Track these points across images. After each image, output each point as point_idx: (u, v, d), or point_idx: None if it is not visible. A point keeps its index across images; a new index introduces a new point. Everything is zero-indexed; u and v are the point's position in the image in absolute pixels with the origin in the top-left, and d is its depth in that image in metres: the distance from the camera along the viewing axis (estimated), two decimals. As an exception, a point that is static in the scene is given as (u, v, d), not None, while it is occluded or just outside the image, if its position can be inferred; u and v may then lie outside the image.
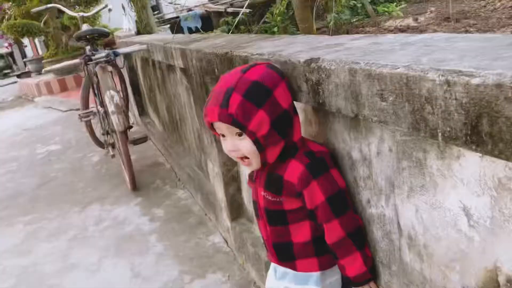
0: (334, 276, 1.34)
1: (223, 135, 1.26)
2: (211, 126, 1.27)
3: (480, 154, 0.82)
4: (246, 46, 1.69)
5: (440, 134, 0.77)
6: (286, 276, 1.40)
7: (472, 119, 0.70)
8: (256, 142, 1.18)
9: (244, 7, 7.46)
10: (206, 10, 8.04)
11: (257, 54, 1.46)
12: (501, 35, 0.97)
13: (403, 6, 7.45)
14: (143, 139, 3.84)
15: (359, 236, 1.22)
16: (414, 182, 1.01)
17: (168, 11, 10.34)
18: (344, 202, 1.21)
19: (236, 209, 2.33)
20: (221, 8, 7.98)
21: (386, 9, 6.97)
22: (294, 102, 1.25)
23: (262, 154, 1.21)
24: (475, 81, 0.67)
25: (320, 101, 1.14)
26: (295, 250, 1.31)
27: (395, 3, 7.51)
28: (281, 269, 1.41)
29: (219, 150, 2.23)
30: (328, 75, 1.07)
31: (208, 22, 7.80)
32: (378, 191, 1.15)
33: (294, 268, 1.33)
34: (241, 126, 1.16)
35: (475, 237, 0.88)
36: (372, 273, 1.24)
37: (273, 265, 1.48)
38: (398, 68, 0.83)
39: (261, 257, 1.99)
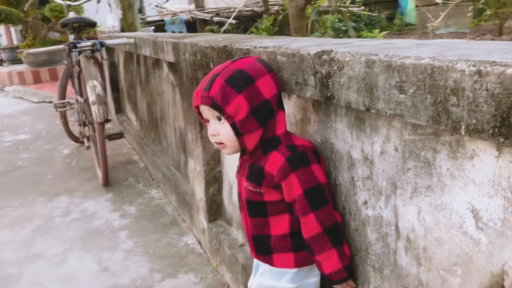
0: (312, 278, 1.32)
1: (207, 121, 1.27)
2: (199, 112, 1.29)
3: (497, 154, 0.81)
4: (246, 41, 1.67)
5: (463, 126, 0.76)
6: (264, 273, 1.38)
7: (504, 110, 0.68)
8: (233, 126, 1.19)
9: (231, 18, 7.49)
10: (192, 17, 8.01)
11: (260, 47, 1.43)
12: (518, 43, 0.97)
13: (385, 33, 7.62)
14: (119, 135, 3.76)
15: (336, 233, 1.21)
16: (419, 182, 0.99)
17: (152, 14, 10.27)
18: (322, 197, 1.20)
19: (214, 210, 2.28)
20: (207, 16, 7.97)
21: (369, 34, 7.12)
22: (294, 96, 1.24)
23: (240, 140, 1.22)
24: (511, 70, 0.66)
25: (328, 95, 1.11)
26: (272, 243, 1.29)
27: (378, 30, 7.68)
28: (263, 266, 1.38)
29: (204, 147, 2.19)
30: (341, 67, 1.04)
31: (193, 28, 7.77)
32: (377, 192, 1.13)
33: (271, 262, 1.32)
34: (219, 108, 1.18)
35: (482, 240, 0.86)
36: (349, 272, 1.22)
37: (256, 263, 1.44)
38: (423, 59, 0.82)
39: (238, 260, 1.94)
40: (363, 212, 1.19)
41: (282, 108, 1.26)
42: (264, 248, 1.31)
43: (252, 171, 1.28)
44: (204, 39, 2.11)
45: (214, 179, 2.24)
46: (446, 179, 0.92)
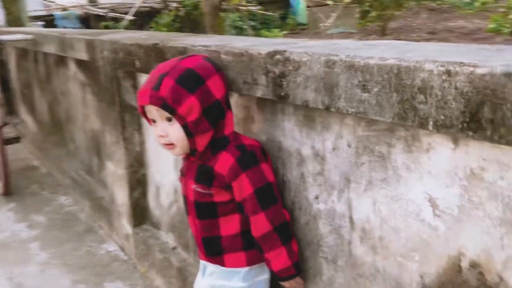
0: (262, 275, 1.33)
1: (154, 121, 1.23)
2: (143, 111, 1.25)
3: (453, 147, 0.88)
4: (179, 39, 1.63)
5: (431, 122, 0.81)
6: (213, 273, 1.36)
7: (473, 107, 0.75)
8: (185, 127, 1.17)
9: (129, 14, 7.24)
10: (85, 12, 7.61)
11: (200, 45, 1.41)
12: (455, 44, 1.06)
13: (285, 32, 7.89)
14: (15, 139, 3.48)
15: (285, 231, 1.23)
16: (374, 176, 1.05)
17: (37, 8, 9.57)
18: (272, 196, 1.22)
19: (139, 215, 2.20)
20: (101, 11, 7.62)
21: (268, 33, 7.31)
22: (236, 95, 1.24)
23: (191, 141, 1.20)
24: (480, 70, 0.72)
25: (282, 94, 1.13)
26: (224, 244, 1.28)
27: (278, 29, 7.92)
28: (211, 267, 1.36)
29: (127, 149, 2.10)
30: (297, 67, 1.07)
31: (86, 24, 7.38)
32: (329, 186, 1.17)
33: (222, 263, 1.30)
34: (171, 109, 1.15)
35: (440, 226, 0.93)
36: (297, 269, 1.25)
37: (202, 264, 1.42)
38: (388, 59, 0.87)
39: (172, 263, 1.90)
40: (314, 207, 1.23)
41: (230, 108, 1.26)
42: (214, 249, 1.30)
43: (201, 172, 1.25)
44: (124, 36, 2.02)
45: (138, 183, 2.16)
46: (402, 171, 0.99)
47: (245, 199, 1.20)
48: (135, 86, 2.05)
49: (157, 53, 1.63)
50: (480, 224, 0.86)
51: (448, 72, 0.77)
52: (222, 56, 1.30)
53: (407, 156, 0.97)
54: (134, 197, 2.17)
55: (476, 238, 0.88)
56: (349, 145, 1.10)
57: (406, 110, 0.85)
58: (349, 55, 0.95)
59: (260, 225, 1.21)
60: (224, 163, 1.21)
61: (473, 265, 0.89)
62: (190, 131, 1.18)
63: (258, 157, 1.23)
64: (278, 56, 1.12)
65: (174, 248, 1.99)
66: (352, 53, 0.95)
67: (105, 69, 2.10)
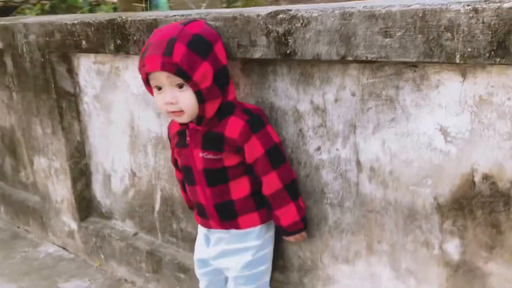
0: (270, 231, 1.38)
1: (159, 88, 1.21)
2: (146, 79, 1.23)
3: (462, 80, 1.04)
4: (136, 14, 1.59)
5: (458, 55, 0.95)
6: (221, 240, 1.37)
7: (500, 36, 0.89)
8: (198, 93, 1.17)
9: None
10: None
11: (174, 15, 1.40)
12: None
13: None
14: None
15: (294, 188, 1.30)
16: (382, 118, 1.17)
17: None
18: (281, 155, 1.28)
19: (85, 207, 2.08)
20: None
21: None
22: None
23: (200, 108, 1.20)
24: (506, 5, 0.87)
25: (288, 51, 1.19)
26: (237, 207, 1.30)
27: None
28: (216, 235, 1.38)
29: (67, 139, 1.97)
30: (306, 23, 1.14)
31: None
32: (333, 136, 1.27)
33: (237, 226, 1.32)
34: (186, 75, 1.14)
35: (452, 150, 1.09)
36: (304, 223, 1.33)
37: (203, 235, 1.43)
38: (411, 5, 0.98)
39: (139, 248, 1.85)
40: (316, 157, 1.32)
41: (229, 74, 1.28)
42: (228, 214, 1.31)
43: (208, 139, 1.25)
44: (51, 19, 1.88)
45: (80, 174, 2.04)
46: (411, 109, 1.12)
47: (257, 160, 1.24)
48: (70, 70, 1.93)
49: (118, 28, 1.57)
50: (490, 142, 1.03)
51: (475, 10, 0.91)
52: (210, 23, 1.31)
53: (416, 94, 1.11)
54: (78, 190, 2.05)
55: (487, 154, 1.04)
56: (353, 94, 1.21)
57: (432, 48, 0.98)
58: (365, 5, 1.05)
59: (271, 184, 1.26)
60: (234, 127, 1.23)
61: (486, 177, 1.06)
62: (203, 98, 1.18)
63: (264, 120, 1.27)
64: (282, 15, 1.18)
65: (135, 234, 1.93)
66: (364, 3, 1.05)
67: (32, 55, 1.94)
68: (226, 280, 1.46)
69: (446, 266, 1.17)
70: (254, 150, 1.24)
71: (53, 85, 1.91)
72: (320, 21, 1.11)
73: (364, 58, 1.08)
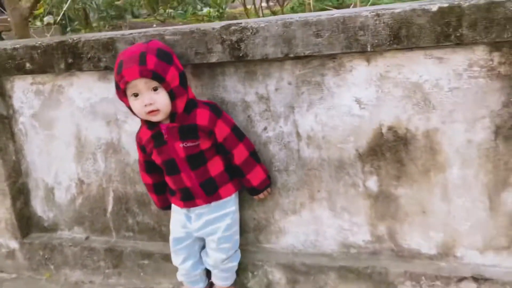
0: (237, 199, 1.72)
1: (135, 95, 1.49)
2: (123, 91, 1.49)
3: (367, 64, 1.53)
4: (79, 35, 1.81)
5: (369, 45, 1.43)
6: (202, 214, 1.66)
7: (395, 31, 1.39)
8: (170, 93, 1.49)
9: None
10: None
11: (131, 34, 1.68)
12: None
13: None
14: None
15: (256, 154, 1.67)
16: (313, 98, 1.61)
17: None
18: (241, 131, 1.64)
19: (25, 225, 2.15)
20: None
21: None
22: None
23: (173, 104, 1.51)
24: (397, 10, 1.38)
25: (241, 54, 1.57)
26: (217, 181, 1.62)
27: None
28: (197, 211, 1.66)
29: (4, 160, 2.04)
30: (255, 32, 1.53)
31: None
32: (276, 117, 1.67)
33: (218, 197, 1.64)
34: (161, 78, 1.45)
35: (365, 114, 1.57)
36: (270, 180, 1.71)
37: (183, 216, 1.70)
38: (334, 14, 1.44)
39: (96, 248, 2.01)
40: (263, 136, 1.71)
41: None
42: (211, 188, 1.61)
43: (184, 131, 1.55)
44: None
45: (19, 192, 2.12)
46: (334, 89, 1.58)
47: (226, 138, 1.58)
48: (2, 94, 2.03)
49: (68, 49, 1.77)
50: (390, 104, 1.53)
51: (378, 14, 1.40)
52: (167, 37, 1.63)
53: (337, 78, 1.57)
54: (18, 208, 2.12)
55: (389, 113, 1.54)
56: (289, 83, 1.63)
57: (351, 42, 1.45)
58: (301, 16, 1.48)
59: (240, 154, 1.61)
60: (202, 116, 1.55)
61: (390, 128, 1.56)
62: (174, 95, 1.48)
63: (220, 108, 1.62)
64: (234, 27, 1.55)
65: (87, 238, 2.08)
66: (295, 17, 1.49)
67: (-40, 82, 1.99)
68: (199, 249, 1.76)
69: (369, 198, 1.64)
70: (222, 130, 1.57)
71: (-13, 109, 1.99)
72: (267, 29, 1.52)
73: (302, 54, 1.51)
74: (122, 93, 1.50)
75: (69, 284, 2.09)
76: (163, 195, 1.76)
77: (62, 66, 1.81)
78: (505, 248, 1.54)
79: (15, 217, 2.11)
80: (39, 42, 1.82)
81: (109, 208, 2.01)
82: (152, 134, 1.59)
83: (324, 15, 1.46)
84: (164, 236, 1.96)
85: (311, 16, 1.47)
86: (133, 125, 1.85)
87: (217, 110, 1.59)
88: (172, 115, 1.53)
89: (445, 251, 1.61)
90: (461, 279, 1.55)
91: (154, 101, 1.47)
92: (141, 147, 1.67)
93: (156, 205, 1.82)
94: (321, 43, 1.48)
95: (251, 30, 1.53)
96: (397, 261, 1.65)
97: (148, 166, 1.70)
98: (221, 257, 1.68)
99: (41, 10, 3.46)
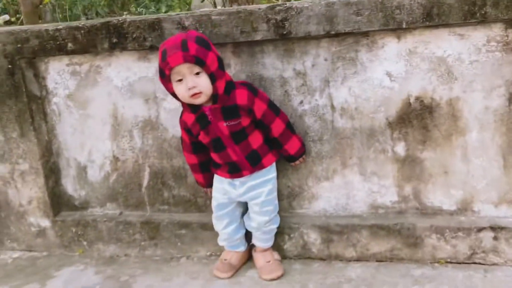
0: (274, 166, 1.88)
1: (179, 80, 1.63)
2: (168, 77, 1.63)
3: (397, 41, 1.72)
4: (125, 18, 1.92)
5: (404, 23, 1.63)
6: (246, 182, 1.81)
7: (427, 9, 1.60)
8: (211, 76, 1.63)
9: None
10: None
11: (177, 15, 1.81)
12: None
13: None
14: None
15: (291, 126, 1.83)
16: (347, 72, 1.79)
17: None
18: (276, 106, 1.80)
19: (57, 203, 2.22)
20: None
21: None
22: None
23: (214, 87, 1.66)
24: (429, -8, 1.58)
25: (284, 32, 1.73)
26: (259, 152, 1.78)
27: None
28: (241, 179, 1.81)
29: (38, 139, 2.11)
30: (299, 11, 1.69)
31: None
32: (312, 91, 1.84)
33: (262, 166, 1.79)
34: (202, 62, 1.60)
35: (395, 86, 1.77)
36: (305, 147, 1.88)
37: (226, 183, 1.83)
38: (374, -5, 1.63)
39: (132, 222, 2.11)
40: (299, 109, 1.87)
41: None
42: (255, 159, 1.76)
43: (227, 111, 1.70)
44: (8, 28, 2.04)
45: (51, 171, 2.19)
46: (367, 63, 1.77)
47: (263, 114, 1.73)
48: (37, 75, 2.10)
49: (115, 29, 1.87)
50: (418, 76, 1.74)
51: (413, -5, 1.59)
52: (214, 17, 1.77)
53: (369, 54, 1.76)
54: (50, 187, 2.19)
55: (416, 84, 1.75)
56: (325, 59, 1.80)
57: (388, 20, 1.64)
58: (342, -2, 1.66)
59: (278, 127, 1.77)
60: (241, 96, 1.70)
61: (417, 98, 1.76)
62: (215, 78, 1.62)
63: (255, 86, 1.78)
64: (279, 7, 1.71)
65: (120, 214, 2.18)
66: (341, -3, 1.67)
67: (-5, 63, 2.04)
68: (240, 214, 1.91)
69: (397, 162, 1.84)
70: (260, 107, 1.73)
71: (24, 90, 2.05)
72: (310, 9, 1.69)
73: (343, 31, 1.69)
74: (167, 79, 1.62)
75: (103, 258, 2.17)
76: (208, 173, 1.89)
77: (106, 45, 1.91)
78: (517, 201, 1.78)
79: (47, 196, 2.18)
80: (83, 23, 1.91)
81: (144, 183, 2.12)
82: (196, 117, 1.73)
83: (362, -5, 1.64)
84: (199, 208, 2.09)
85: (354, -4, 1.65)
86: (172, 102, 1.97)
87: (253, 89, 1.74)
88: (214, 97, 1.67)
89: (464, 207, 1.82)
90: (480, 229, 1.77)
91: (197, 84, 1.61)
92: (187, 130, 1.79)
93: (201, 185, 1.95)
94: (360, 21, 1.66)
95: (295, 10, 1.70)
96: (422, 217, 1.85)
97: (194, 147, 1.83)
98: (264, 220, 1.83)
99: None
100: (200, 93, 1.63)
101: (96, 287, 1.96)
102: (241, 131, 1.73)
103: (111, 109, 2.06)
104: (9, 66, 2.03)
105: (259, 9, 1.73)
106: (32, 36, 1.97)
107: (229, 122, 1.71)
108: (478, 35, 1.66)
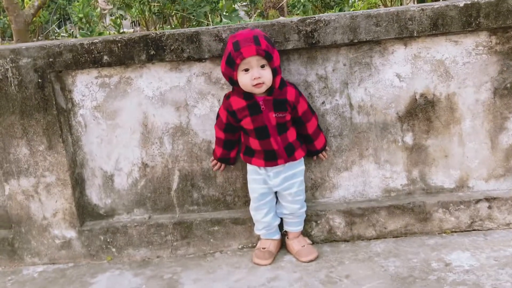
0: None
1: (246, 70, 1.85)
2: (237, 66, 1.85)
3: (404, 47, 2.06)
4: (165, 32, 2.07)
5: (415, 31, 1.96)
6: (280, 172, 2.03)
7: (434, 20, 1.95)
8: (274, 70, 1.87)
9: None
10: None
11: (221, 27, 2.01)
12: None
13: None
14: None
15: (319, 124, 2.10)
16: (363, 75, 2.10)
17: None
18: (312, 107, 2.06)
19: (82, 213, 2.27)
20: None
21: None
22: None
23: (274, 81, 1.89)
24: (436, 6, 1.94)
25: (313, 42, 2.00)
26: (294, 145, 2.01)
27: None
28: (274, 170, 2.02)
29: (66, 151, 2.17)
30: (327, 23, 1.97)
31: None
32: (333, 92, 2.12)
33: (294, 158, 2.02)
34: (270, 56, 1.84)
35: (403, 85, 2.10)
36: (327, 142, 2.14)
37: (262, 174, 2.04)
38: (391, 9, 1.95)
39: (164, 224, 2.22)
40: (321, 109, 2.14)
41: None
42: (291, 150, 1.98)
43: (277, 104, 1.92)
44: (37, 44, 2.10)
45: (76, 182, 2.25)
46: (379, 67, 2.09)
47: (304, 112, 1.98)
48: (63, 89, 2.16)
49: (153, 41, 2.02)
50: (422, 76, 2.08)
51: (422, 9, 1.94)
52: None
53: (382, 59, 2.08)
54: (76, 197, 2.24)
55: (421, 83, 2.09)
56: (344, 64, 2.09)
57: (402, 29, 1.97)
58: (364, 11, 1.96)
59: (312, 125, 2.02)
60: (291, 93, 1.94)
61: (422, 95, 2.10)
62: (277, 72, 1.86)
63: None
64: (309, 20, 1.98)
65: (149, 217, 2.29)
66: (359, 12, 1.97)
67: (22, 78, 2.08)
68: (274, 203, 2.12)
69: (406, 150, 2.16)
70: (302, 106, 1.97)
71: (54, 102, 2.11)
72: (337, 21, 1.97)
73: (364, 40, 1.99)
74: (234, 67, 1.83)
75: (136, 262, 2.25)
76: (226, 150, 2.08)
77: (143, 57, 2.05)
78: (502, 176, 2.17)
79: (75, 206, 2.23)
80: (120, 37, 2.03)
81: (174, 186, 2.25)
82: (248, 104, 1.93)
83: (382, 10, 1.96)
84: (228, 205, 2.26)
85: (372, 11, 1.96)
86: (202, 109, 2.15)
87: (299, 89, 1.99)
88: (270, 89, 1.89)
89: (461, 184, 2.19)
90: (477, 201, 2.13)
91: (262, 75, 1.83)
92: (231, 113, 1.97)
93: (215, 156, 2.13)
94: (379, 31, 1.98)
95: (323, 22, 1.97)
96: (428, 196, 2.19)
97: (226, 127, 2.02)
98: (296, 207, 2.07)
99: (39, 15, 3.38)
100: (263, 83, 1.85)
101: (142, 287, 2.04)
102: (284, 124, 1.96)
103: (141, 118, 2.18)
104: (39, 80, 2.08)
105: (291, 21, 1.98)
106: (65, 50, 2.05)
107: (278, 113, 1.93)
108: (468, 41, 2.04)
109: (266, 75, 1.84)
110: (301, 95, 1.98)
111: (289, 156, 2.00)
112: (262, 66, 1.84)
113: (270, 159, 2.00)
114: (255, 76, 1.83)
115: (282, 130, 1.96)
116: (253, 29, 1.88)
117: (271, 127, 1.94)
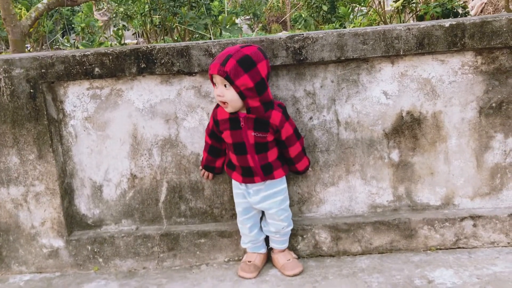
0: (285, 179, 2.14)
1: (215, 84, 1.89)
2: (211, 79, 1.90)
3: (392, 65, 2.09)
4: (153, 46, 2.11)
5: (402, 50, 2.00)
6: (259, 191, 2.04)
7: (420, 39, 1.98)
8: (240, 93, 1.87)
9: None
10: None
11: (211, 42, 2.04)
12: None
13: None
14: None
15: (304, 148, 2.11)
16: (350, 92, 2.13)
17: None
18: (299, 132, 2.07)
19: (70, 223, 2.29)
20: None
21: None
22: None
23: (245, 102, 1.90)
24: (421, 26, 1.97)
25: (301, 58, 2.03)
26: (273, 165, 2.02)
27: None
28: (254, 188, 2.04)
29: (56, 161, 2.19)
30: (314, 40, 2.00)
31: None
32: (320, 108, 2.15)
33: (273, 177, 2.02)
34: (231, 80, 1.84)
35: (390, 102, 2.13)
36: (310, 163, 2.15)
37: (243, 190, 2.06)
38: (378, 28, 1.99)
39: (150, 235, 2.24)
40: (309, 124, 2.16)
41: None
42: (268, 170, 1.99)
43: (258, 123, 1.93)
44: (29, 55, 2.14)
45: (65, 192, 2.26)
46: (367, 84, 2.12)
47: (288, 137, 1.98)
48: (55, 99, 2.19)
49: (144, 55, 2.05)
50: (408, 94, 2.11)
51: (408, 28, 1.97)
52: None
53: (369, 76, 2.10)
54: (65, 207, 2.26)
55: (408, 101, 2.12)
56: (332, 81, 2.12)
57: (389, 48, 2.00)
58: (351, 29, 1.99)
59: (296, 150, 2.02)
60: (276, 117, 1.93)
61: (408, 113, 2.13)
62: (244, 96, 1.85)
63: (287, 112, 2.04)
64: (297, 37, 2.01)
65: (137, 229, 2.30)
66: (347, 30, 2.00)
67: (15, 88, 2.11)
68: (259, 219, 2.13)
69: (392, 167, 2.18)
70: (287, 131, 1.97)
71: (45, 112, 2.14)
72: (324, 38, 2.00)
73: (351, 57, 2.02)
74: (210, 79, 1.88)
75: (122, 273, 2.26)
76: (211, 157, 2.11)
77: (134, 70, 2.08)
78: (487, 194, 2.19)
79: (63, 216, 2.24)
80: (111, 49, 2.06)
81: (162, 198, 2.27)
82: (231, 117, 1.95)
83: (369, 29, 1.99)
84: (215, 217, 2.28)
85: (359, 29, 1.99)
86: (192, 122, 2.17)
87: (286, 114, 1.99)
88: (248, 109, 1.91)
89: (447, 201, 2.20)
90: (463, 219, 2.15)
91: (223, 94, 1.86)
92: (215, 121, 2.00)
93: (202, 162, 2.16)
94: (366, 49, 2.01)
95: (311, 39, 2.01)
96: (414, 212, 2.20)
97: (212, 133, 2.06)
98: (282, 225, 2.08)
99: (35, 25, 3.44)
100: (226, 103, 1.87)
101: (126, 297, 2.05)
102: (264, 144, 1.97)
103: (131, 129, 2.21)
104: (31, 90, 2.12)
105: (280, 38, 2.01)
106: (57, 61, 2.08)
107: (257, 133, 1.94)
108: (455, 61, 2.07)
109: (228, 96, 1.85)
110: (287, 119, 1.98)
111: (266, 175, 2.01)
112: (226, 86, 1.85)
113: (247, 175, 2.02)
114: (217, 93, 1.87)
115: (262, 149, 1.97)
116: (244, 47, 1.88)
117: (249, 145, 1.96)
